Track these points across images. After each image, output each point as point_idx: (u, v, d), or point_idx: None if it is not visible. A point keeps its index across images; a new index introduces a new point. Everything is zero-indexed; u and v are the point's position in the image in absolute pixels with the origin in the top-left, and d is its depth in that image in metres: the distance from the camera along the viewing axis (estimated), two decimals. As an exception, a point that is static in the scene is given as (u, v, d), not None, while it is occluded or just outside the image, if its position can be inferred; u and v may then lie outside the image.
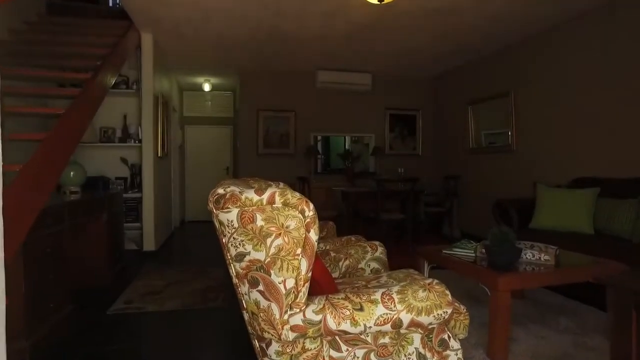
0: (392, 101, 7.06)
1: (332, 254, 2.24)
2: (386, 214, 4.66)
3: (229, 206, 1.41)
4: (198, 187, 8.24)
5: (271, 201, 1.38)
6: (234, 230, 1.43)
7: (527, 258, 2.42)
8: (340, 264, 2.21)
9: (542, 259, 2.38)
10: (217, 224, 1.49)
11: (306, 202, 1.39)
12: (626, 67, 3.85)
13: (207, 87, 7.35)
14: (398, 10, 4.20)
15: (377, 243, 2.32)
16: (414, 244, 5.06)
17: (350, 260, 2.23)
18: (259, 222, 1.38)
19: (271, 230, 1.38)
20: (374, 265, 2.26)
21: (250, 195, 1.39)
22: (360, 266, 2.24)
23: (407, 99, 7.14)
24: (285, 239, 1.38)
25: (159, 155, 5.08)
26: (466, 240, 2.85)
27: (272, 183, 1.92)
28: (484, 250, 2.50)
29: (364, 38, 5.07)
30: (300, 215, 1.38)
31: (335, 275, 2.19)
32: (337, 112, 6.82)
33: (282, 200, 1.38)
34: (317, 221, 1.41)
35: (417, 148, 7.22)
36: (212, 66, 6.41)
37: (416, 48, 5.52)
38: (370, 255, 2.26)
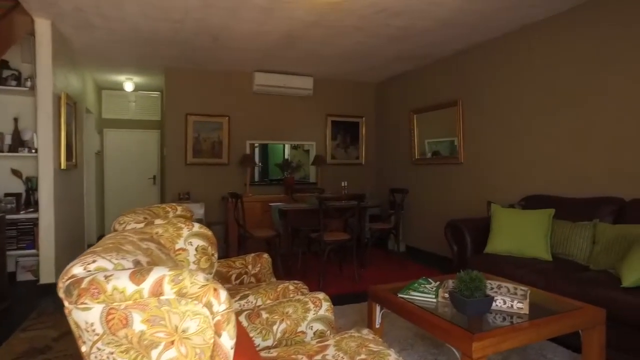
0: (334, 107, 6.65)
1: (265, 315, 1.71)
2: (330, 234, 4.19)
3: (87, 302, 0.84)
4: (120, 199, 7.32)
5: (157, 292, 0.83)
6: (96, 337, 0.86)
7: (497, 306, 2.04)
8: (275, 327, 1.69)
9: (514, 307, 2.01)
10: (71, 325, 0.91)
11: (215, 289, 0.86)
12: (579, 80, 3.70)
13: (129, 87, 6.49)
14: (343, 9, 3.76)
15: (321, 297, 1.82)
16: (359, 268, 4.65)
17: (288, 322, 1.71)
18: (138, 325, 0.83)
19: (158, 337, 0.84)
20: (317, 327, 1.76)
21: (122, 283, 0.83)
22: (300, 329, 1.73)
23: (350, 105, 6.76)
24: (182, 349, 0.85)
25: (63, 167, 4.24)
26: (424, 279, 2.44)
27: (165, 255, 1.35)
28: (447, 296, 2.10)
29: (306, 38, 4.58)
30: (205, 311, 0.85)
31: (268, 343, 1.67)
32: (276, 118, 6.28)
33: (175, 290, 0.84)
34: (233, 318, 0.88)
35: (360, 157, 6.86)
36: (132, 63, 5.61)
37: (361, 51, 5.13)
38: (313, 314, 1.76)
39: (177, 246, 1.58)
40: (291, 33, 4.41)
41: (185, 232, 1.63)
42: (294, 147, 8.88)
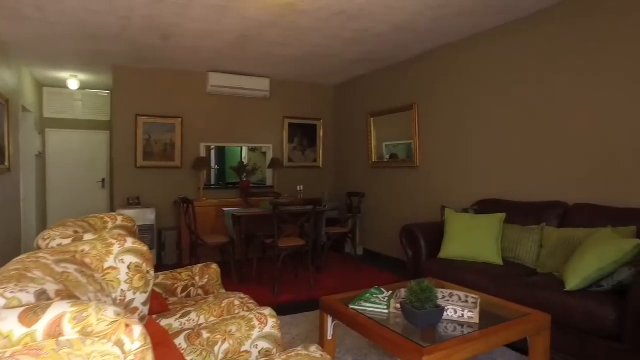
0: (291, 109, 6.56)
1: (206, 335, 1.60)
2: (285, 240, 4.10)
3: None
4: (64, 204, 6.90)
5: (55, 333, 0.72)
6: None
7: (448, 316, 2.02)
8: (217, 348, 1.59)
9: (465, 316, 2.00)
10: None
11: (127, 325, 0.75)
12: (529, 87, 3.81)
13: (73, 85, 6.12)
14: (299, 10, 3.69)
15: (267, 313, 1.73)
16: (315, 274, 4.58)
17: (231, 342, 1.61)
18: (30, 372, 0.71)
19: (56, 384, 0.72)
20: (263, 345, 1.67)
21: (7, 326, 0.70)
22: (244, 349, 1.63)
23: (307, 107, 6.70)
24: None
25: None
26: (376, 289, 2.40)
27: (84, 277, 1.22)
28: (398, 306, 2.06)
29: (261, 39, 4.47)
30: (116, 351, 0.74)
31: (209, 365, 1.56)
32: (232, 120, 6.12)
33: (78, 329, 0.72)
34: (149, 357, 0.78)
35: (318, 160, 6.82)
36: (76, 60, 5.28)
37: (318, 53, 5.08)
38: (259, 331, 1.67)
39: (106, 265, 1.44)
40: (246, 33, 4.29)
41: (116, 248, 1.49)
42: (251, 150, 8.74)
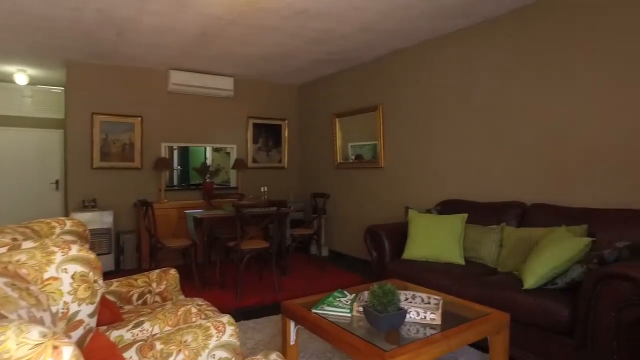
0: (256, 109, 6.47)
1: (159, 347, 1.52)
2: (248, 243, 4.02)
3: None
4: (13, 206, 6.51)
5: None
6: None
7: (411, 318, 2.02)
8: (171, 360, 1.50)
9: (427, 318, 2.00)
10: None
11: (55, 347, 0.68)
12: (488, 89, 3.90)
13: (21, 80, 5.77)
14: (261, 8, 3.62)
15: (225, 320, 1.67)
16: (280, 276, 4.51)
17: (187, 352, 1.54)
18: None
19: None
20: (220, 354, 1.60)
21: None
22: (200, 359, 1.56)
23: (272, 107, 6.62)
24: None
25: None
26: (339, 292, 2.37)
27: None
28: (361, 310, 2.04)
29: (224, 36, 4.37)
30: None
31: (162, 378, 1.48)
32: (195, 120, 5.96)
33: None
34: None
35: (283, 161, 6.75)
36: (25, 53, 4.98)
37: (282, 52, 5.02)
38: (216, 340, 1.60)
39: (46, 275, 1.33)
40: (207, 31, 4.18)
41: (58, 257, 1.38)
42: (215, 150, 8.57)
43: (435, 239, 3.42)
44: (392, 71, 5.01)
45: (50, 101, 6.75)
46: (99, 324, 1.63)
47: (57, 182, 6.88)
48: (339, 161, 5.92)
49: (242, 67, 5.65)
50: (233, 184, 6.36)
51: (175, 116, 5.80)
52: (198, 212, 4.42)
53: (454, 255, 3.33)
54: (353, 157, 5.73)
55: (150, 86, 5.61)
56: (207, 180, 5.73)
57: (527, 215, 3.38)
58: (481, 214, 3.63)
